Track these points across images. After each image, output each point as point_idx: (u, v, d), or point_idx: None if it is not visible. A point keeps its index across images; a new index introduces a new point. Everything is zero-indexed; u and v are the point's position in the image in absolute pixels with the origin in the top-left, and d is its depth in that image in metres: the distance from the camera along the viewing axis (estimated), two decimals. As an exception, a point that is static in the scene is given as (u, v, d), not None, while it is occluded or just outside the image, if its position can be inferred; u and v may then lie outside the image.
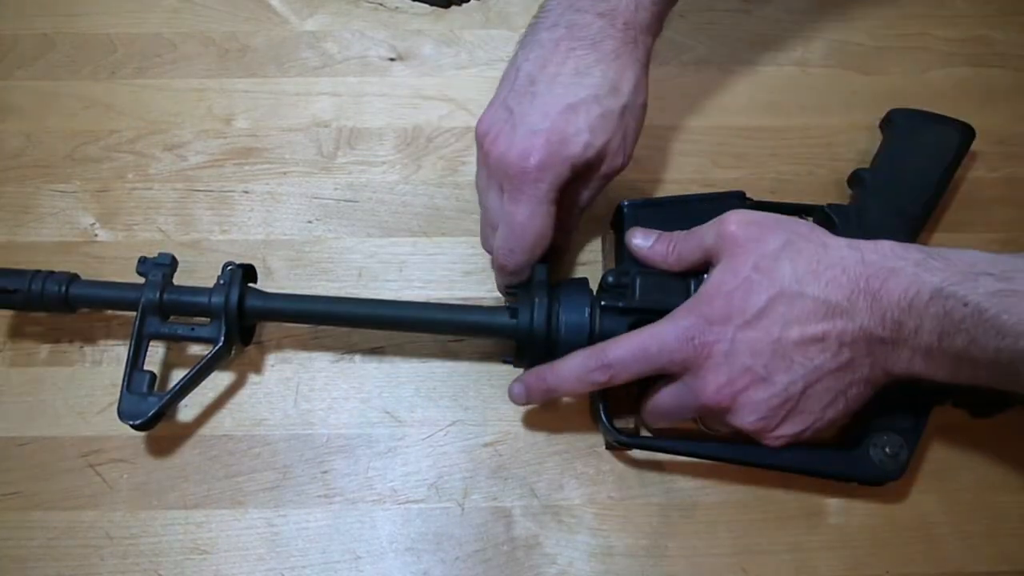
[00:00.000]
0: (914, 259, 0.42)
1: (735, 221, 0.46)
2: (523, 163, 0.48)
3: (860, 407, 0.47)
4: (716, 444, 0.50)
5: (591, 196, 0.53)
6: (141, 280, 0.52)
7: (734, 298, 0.44)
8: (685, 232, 0.50)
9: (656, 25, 0.52)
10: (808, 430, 0.46)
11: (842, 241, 0.45)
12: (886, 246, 0.44)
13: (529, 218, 0.49)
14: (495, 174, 0.50)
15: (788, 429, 0.46)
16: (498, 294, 0.58)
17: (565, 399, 0.55)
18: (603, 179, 0.52)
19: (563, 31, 0.50)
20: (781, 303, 0.43)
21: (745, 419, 0.45)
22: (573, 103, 0.48)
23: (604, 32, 0.49)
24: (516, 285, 0.52)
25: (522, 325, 0.50)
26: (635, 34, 0.50)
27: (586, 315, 0.49)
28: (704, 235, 0.48)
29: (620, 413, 0.52)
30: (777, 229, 0.46)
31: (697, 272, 0.49)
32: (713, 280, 0.46)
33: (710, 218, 0.48)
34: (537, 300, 0.50)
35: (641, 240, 0.51)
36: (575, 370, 0.47)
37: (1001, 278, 0.39)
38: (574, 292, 0.51)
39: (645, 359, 0.46)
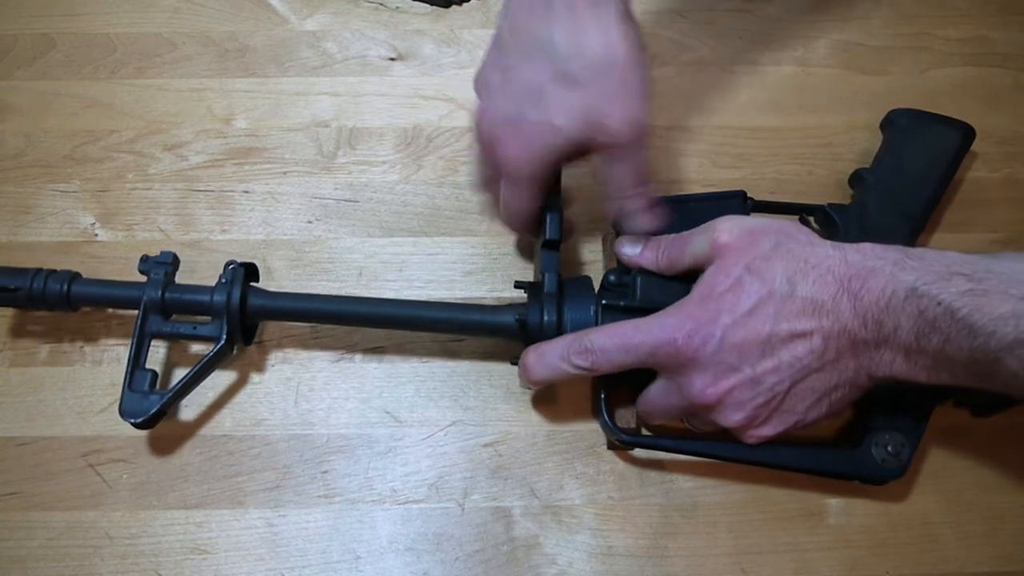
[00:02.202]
0: (892, 259, 0.42)
1: (726, 230, 0.46)
2: (492, 154, 0.49)
3: (843, 410, 0.47)
4: (718, 443, 0.50)
5: (622, 168, 0.49)
6: (143, 278, 0.52)
7: (725, 299, 0.44)
8: (674, 236, 0.50)
9: None
10: (789, 430, 0.47)
11: (827, 242, 0.45)
12: (867, 247, 0.44)
13: (516, 199, 0.51)
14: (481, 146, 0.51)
15: (769, 429, 0.47)
16: (499, 293, 0.58)
17: (565, 399, 0.55)
18: (624, 152, 0.48)
19: None
20: (771, 303, 0.44)
21: (730, 418, 0.46)
22: (535, 85, 0.45)
23: None
24: (523, 283, 0.53)
25: (531, 324, 0.50)
26: None
27: (591, 314, 0.50)
28: (695, 244, 0.48)
29: (622, 413, 0.52)
30: (767, 232, 0.46)
31: (696, 272, 0.49)
32: (705, 281, 0.46)
33: (710, 218, 0.48)
34: (544, 300, 0.50)
35: (629, 248, 0.51)
36: (558, 352, 0.47)
37: (973, 279, 0.39)
38: (578, 291, 0.51)
39: (627, 349, 0.46)
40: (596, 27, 0.45)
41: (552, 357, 0.48)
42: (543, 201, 0.51)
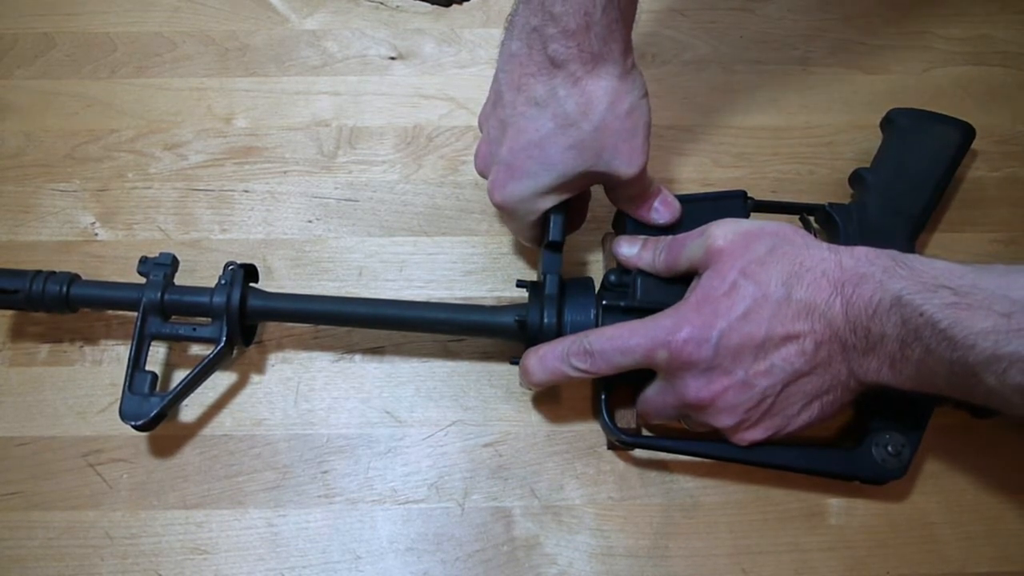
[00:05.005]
0: (882, 266, 0.42)
1: (721, 235, 0.46)
2: (491, 196, 0.50)
3: (834, 414, 0.47)
4: (718, 443, 0.50)
5: (626, 192, 0.52)
6: (142, 280, 0.52)
7: (721, 303, 0.45)
8: (671, 238, 0.50)
9: (628, 13, 0.46)
10: (779, 433, 0.47)
11: (823, 245, 0.45)
12: (861, 251, 0.44)
13: (516, 232, 0.54)
14: None
15: (759, 432, 0.47)
16: (499, 293, 0.58)
17: (566, 400, 0.55)
18: (627, 185, 0.50)
19: (524, 49, 0.46)
20: (766, 307, 0.44)
21: (721, 420, 0.46)
22: (536, 139, 0.47)
23: (562, 54, 0.45)
24: (525, 282, 0.53)
25: (531, 325, 0.50)
26: (598, 47, 0.45)
27: (592, 315, 0.50)
28: (691, 248, 0.48)
29: (622, 413, 0.52)
30: (763, 236, 0.46)
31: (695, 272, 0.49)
32: (702, 285, 0.46)
33: (711, 218, 0.48)
34: (545, 301, 0.50)
35: (627, 248, 0.52)
36: (558, 354, 0.48)
37: (959, 292, 0.39)
38: (579, 292, 0.51)
39: (624, 352, 0.46)
40: (600, 85, 0.46)
41: (552, 360, 0.48)
42: (542, 224, 0.51)
